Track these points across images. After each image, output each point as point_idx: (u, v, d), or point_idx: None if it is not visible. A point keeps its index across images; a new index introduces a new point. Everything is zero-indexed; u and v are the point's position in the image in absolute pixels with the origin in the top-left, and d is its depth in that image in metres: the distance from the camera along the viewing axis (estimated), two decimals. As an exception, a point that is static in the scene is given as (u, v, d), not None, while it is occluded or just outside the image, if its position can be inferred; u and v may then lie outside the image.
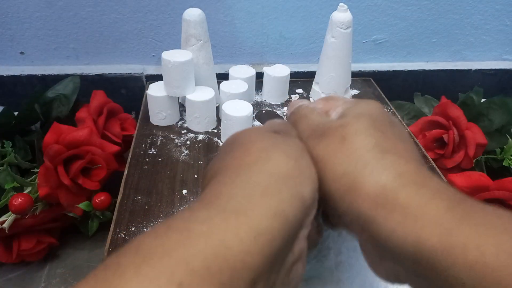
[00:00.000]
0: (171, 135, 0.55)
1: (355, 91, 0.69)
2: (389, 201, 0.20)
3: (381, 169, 0.21)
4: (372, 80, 0.72)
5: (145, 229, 0.41)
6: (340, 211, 0.22)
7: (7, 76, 0.74)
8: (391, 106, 0.64)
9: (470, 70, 0.83)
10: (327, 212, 0.25)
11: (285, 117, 0.61)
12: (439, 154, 0.64)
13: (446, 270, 0.17)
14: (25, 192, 0.55)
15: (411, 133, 0.62)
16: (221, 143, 0.54)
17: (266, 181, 0.20)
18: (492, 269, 0.16)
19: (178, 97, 0.60)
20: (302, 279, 0.23)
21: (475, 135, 0.61)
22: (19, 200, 0.52)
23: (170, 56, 0.52)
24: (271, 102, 0.64)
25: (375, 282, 0.34)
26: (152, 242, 0.16)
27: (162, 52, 0.53)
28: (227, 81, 0.59)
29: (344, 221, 0.23)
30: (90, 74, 0.75)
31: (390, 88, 0.83)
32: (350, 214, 0.21)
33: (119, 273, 0.15)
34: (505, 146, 0.63)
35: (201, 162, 0.50)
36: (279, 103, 0.64)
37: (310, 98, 0.66)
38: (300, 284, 0.22)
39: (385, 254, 0.21)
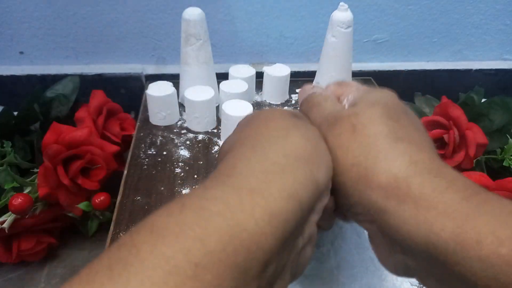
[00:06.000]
0: (171, 135, 0.55)
1: (356, 91, 0.68)
2: (401, 190, 0.19)
3: (394, 157, 0.20)
4: (372, 80, 0.72)
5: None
6: (351, 201, 0.21)
7: (7, 76, 0.74)
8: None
9: (471, 70, 0.83)
10: (338, 203, 0.24)
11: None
12: (440, 154, 0.64)
13: (459, 263, 0.17)
14: (25, 192, 0.55)
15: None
16: (221, 143, 0.54)
17: (282, 161, 0.19)
18: (507, 262, 0.16)
19: (178, 97, 0.60)
20: (309, 260, 0.22)
21: (476, 135, 0.61)
22: (19, 200, 0.52)
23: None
24: (271, 102, 0.64)
25: (377, 281, 0.34)
26: (166, 220, 0.15)
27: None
28: (227, 81, 0.59)
29: (355, 212, 0.22)
30: (90, 74, 0.75)
31: (391, 88, 0.82)
32: (361, 205, 0.21)
33: (134, 252, 0.14)
34: (505, 146, 0.63)
35: (201, 162, 0.50)
36: (279, 103, 0.64)
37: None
38: (306, 267, 0.22)
39: (395, 246, 0.20)
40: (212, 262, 0.14)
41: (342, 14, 0.56)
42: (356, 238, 0.34)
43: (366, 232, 0.35)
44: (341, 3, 0.56)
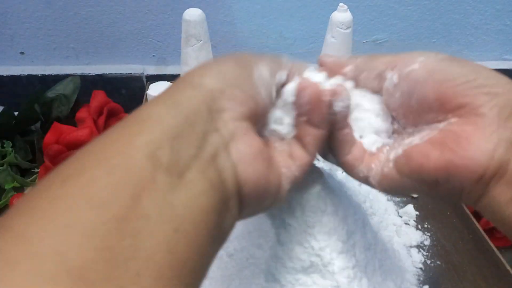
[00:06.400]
0: (171, 135, 0.55)
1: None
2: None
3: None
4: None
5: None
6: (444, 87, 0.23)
7: (7, 76, 0.74)
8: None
9: (470, 70, 0.83)
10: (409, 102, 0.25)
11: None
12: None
13: None
14: (26, 192, 0.55)
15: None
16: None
17: (173, 86, 0.22)
18: None
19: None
20: (255, 166, 0.21)
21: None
22: (19, 200, 0.52)
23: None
24: (271, 102, 0.64)
25: (377, 281, 0.34)
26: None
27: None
28: (227, 81, 0.59)
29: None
30: (90, 74, 0.75)
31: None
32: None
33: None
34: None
35: (201, 162, 0.50)
36: (279, 103, 0.64)
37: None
38: (250, 167, 0.21)
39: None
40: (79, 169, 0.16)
41: (342, 15, 0.56)
42: (356, 238, 0.35)
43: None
44: (341, 4, 0.57)
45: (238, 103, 0.22)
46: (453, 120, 0.23)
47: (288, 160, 0.25)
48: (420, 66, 0.24)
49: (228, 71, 0.23)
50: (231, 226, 0.21)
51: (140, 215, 0.15)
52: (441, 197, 0.24)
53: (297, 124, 0.26)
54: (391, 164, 0.25)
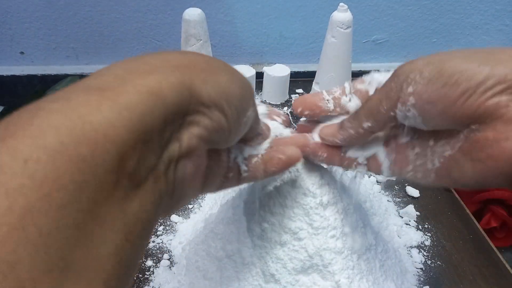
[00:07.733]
0: (171, 135, 0.55)
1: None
2: None
3: None
4: (372, 80, 0.72)
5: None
6: (484, 72, 0.21)
7: (7, 76, 0.74)
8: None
9: (470, 70, 0.84)
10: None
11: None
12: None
13: None
14: None
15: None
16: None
17: (156, 63, 0.19)
18: None
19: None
20: (192, 183, 0.21)
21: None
22: (19, 200, 0.52)
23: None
24: (271, 102, 0.64)
25: (377, 282, 0.34)
26: (3, 124, 0.15)
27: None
28: (227, 81, 0.59)
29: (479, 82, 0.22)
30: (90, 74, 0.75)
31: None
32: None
33: None
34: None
35: (201, 162, 0.50)
36: (279, 103, 0.64)
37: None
38: (188, 188, 0.21)
39: None
40: (45, 154, 0.14)
41: (342, 15, 0.56)
42: (357, 238, 0.35)
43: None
44: (341, 4, 0.57)
45: (215, 126, 0.21)
46: (474, 126, 0.22)
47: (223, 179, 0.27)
48: (415, 99, 0.24)
49: (234, 97, 0.22)
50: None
51: (97, 222, 0.15)
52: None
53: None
54: (433, 175, 0.25)
